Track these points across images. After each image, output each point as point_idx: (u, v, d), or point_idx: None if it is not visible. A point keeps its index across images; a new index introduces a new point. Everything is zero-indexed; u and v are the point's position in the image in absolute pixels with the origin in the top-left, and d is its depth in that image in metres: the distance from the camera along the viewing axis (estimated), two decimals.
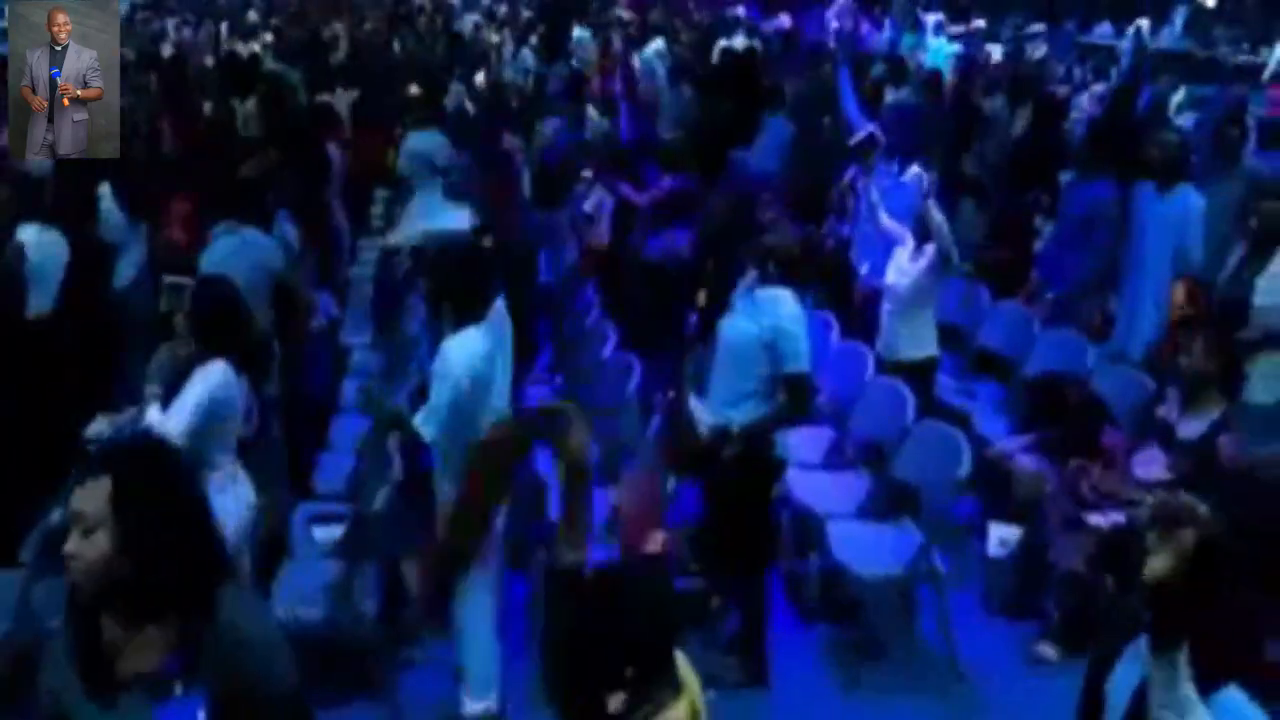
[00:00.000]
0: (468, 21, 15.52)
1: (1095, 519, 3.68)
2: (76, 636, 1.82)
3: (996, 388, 5.23)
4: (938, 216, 4.40)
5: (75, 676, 1.82)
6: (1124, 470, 3.80)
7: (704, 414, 3.70)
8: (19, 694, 2.79)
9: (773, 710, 3.76)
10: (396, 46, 12.35)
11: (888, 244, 4.81)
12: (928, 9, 17.51)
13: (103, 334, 4.62)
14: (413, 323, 5.46)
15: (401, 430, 3.55)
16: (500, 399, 3.47)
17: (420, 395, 3.45)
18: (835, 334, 5.19)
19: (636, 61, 11.11)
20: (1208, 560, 2.02)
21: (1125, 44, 13.45)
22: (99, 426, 4.30)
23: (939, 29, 15.58)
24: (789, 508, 4.22)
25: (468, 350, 3.30)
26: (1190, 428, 3.75)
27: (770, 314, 3.58)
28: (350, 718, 3.63)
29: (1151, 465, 3.83)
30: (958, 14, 16.52)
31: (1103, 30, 16.11)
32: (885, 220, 4.76)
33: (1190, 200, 4.76)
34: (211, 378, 3.25)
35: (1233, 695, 1.96)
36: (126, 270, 5.18)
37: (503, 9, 17.04)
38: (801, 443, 4.52)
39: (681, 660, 1.90)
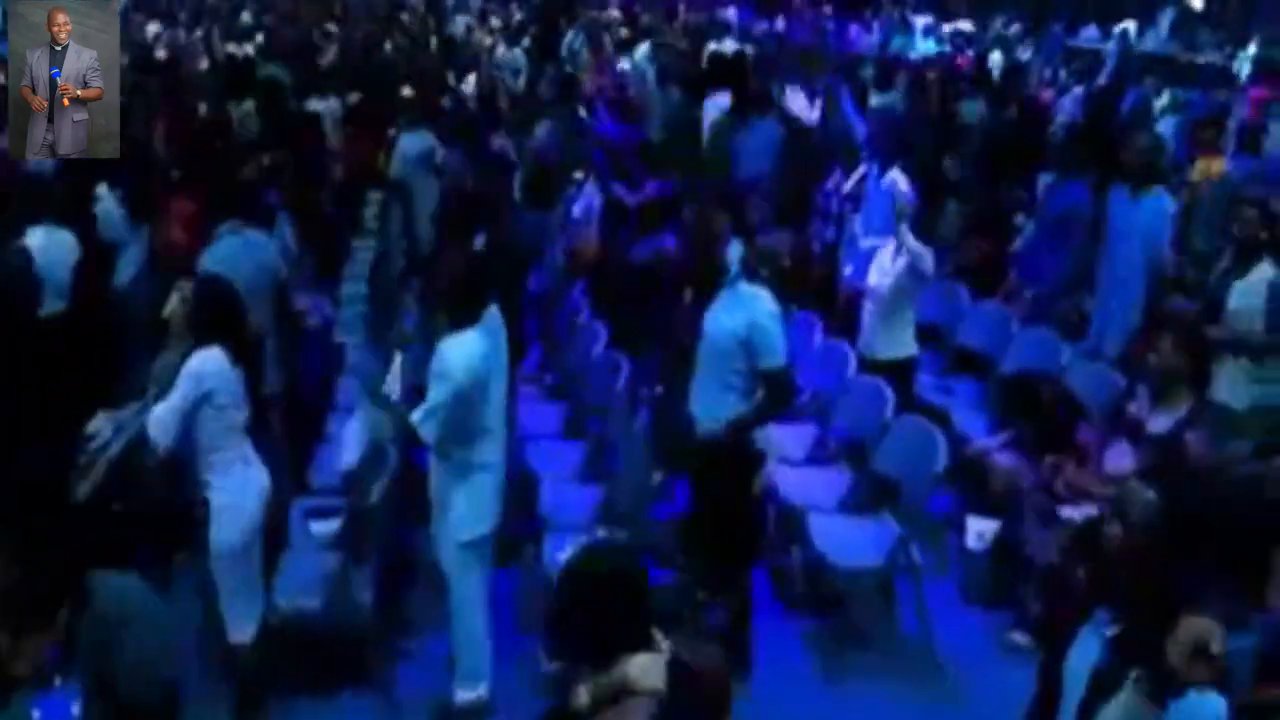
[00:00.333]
0: (459, 23, 15.60)
1: (1068, 512, 3.81)
2: None
3: (975, 385, 5.36)
4: (913, 243, 4.53)
5: None
6: (1096, 465, 3.92)
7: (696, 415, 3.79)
8: None
9: (757, 698, 3.85)
10: (388, 48, 12.41)
11: (870, 246, 4.94)
12: (917, 12, 17.69)
13: (105, 332, 4.70)
14: (405, 322, 5.57)
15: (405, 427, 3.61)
16: (497, 398, 3.57)
17: (416, 394, 3.53)
18: (819, 333, 5.31)
19: (627, 64, 11.24)
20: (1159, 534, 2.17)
21: (1110, 47, 13.62)
22: (100, 423, 4.40)
23: (928, 32, 15.74)
24: (773, 502, 4.33)
25: (466, 351, 3.38)
26: (1159, 423, 3.87)
27: (748, 310, 3.68)
28: (346, 705, 3.75)
29: (1122, 459, 3.95)
30: (946, 17, 16.66)
31: (1089, 33, 16.27)
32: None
33: (1162, 203, 4.90)
34: (206, 363, 3.34)
35: (1207, 693, 2.09)
36: (126, 269, 5.26)
37: (494, 10, 17.12)
38: (785, 439, 4.65)
39: (659, 636, 2.03)
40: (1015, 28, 15.79)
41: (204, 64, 10.69)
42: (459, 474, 3.53)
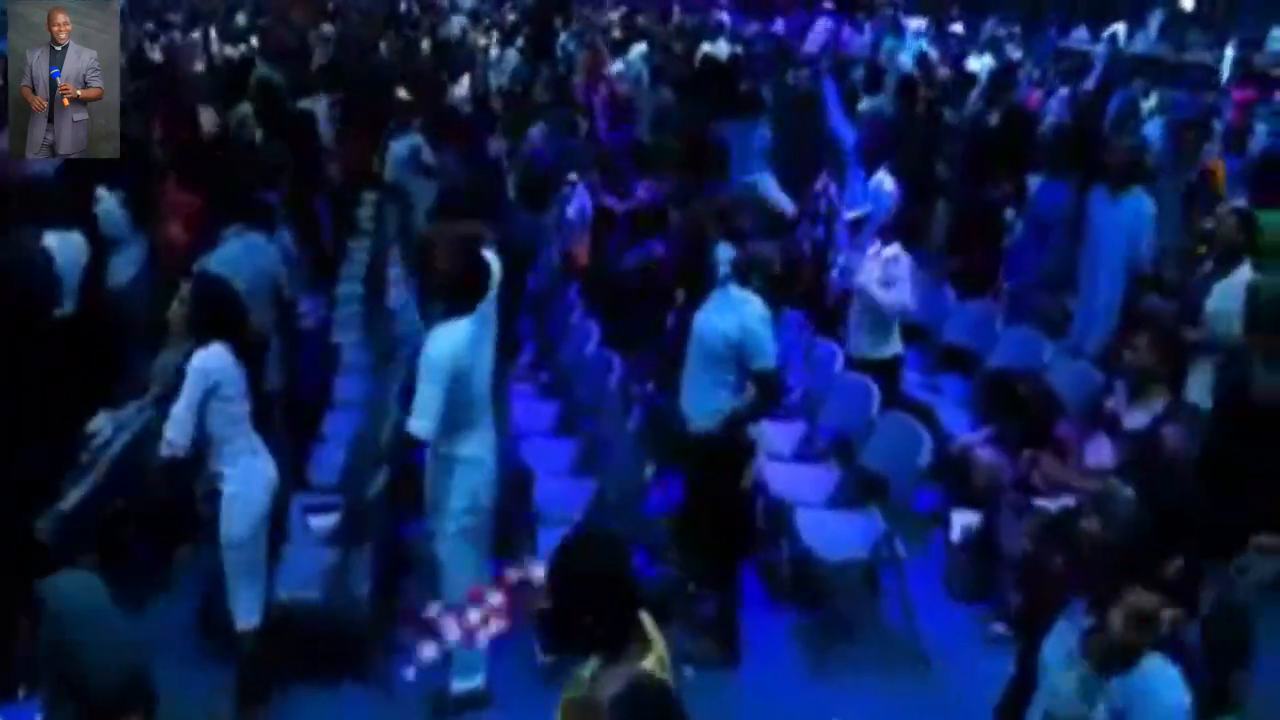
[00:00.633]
0: (454, 24, 15.67)
1: (1043, 504, 3.91)
2: None
3: (961, 383, 5.47)
4: (881, 296, 4.69)
5: None
6: (1074, 459, 4.03)
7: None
8: None
9: (745, 687, 3.97)
10: (383, 49, 12.49)
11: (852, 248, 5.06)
12: (909, 14, 17.80)
13: (106, 332, 4.77)
14: (401, 320, 5.66)
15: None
16: (482, 389, 3.62)
17: (409, 393, 3.61)
18: (808, 332, 5.41)
19: (620, 65, 11.34)
20: (1137, 531, 2.28)
21: (1099, 49, 13.75)
22: (101, 421, 4.48)
23: (920, 34, 15.85)
24: (762, 497, 4.43)
25: (450, 340, 3.44)
26: (1135, 419, 3.98)
27: (739, 314, 3.80)
28: (345, 696, 3.84)
29: (1100, 454, 4.06)
30: (937, 18, 16.78)
31: (1080, 34, 16.39)
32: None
33: (1141, 205, 5.01)
34: (210, 359, 3.43)
35: (1158, 662, 2.20)
36: (125, 269, 5.34)
37: (488, 12, 17.19)
38: (774, 436, 4.76)
39: (648, 621, 2.13)
40: (1005, 30, 15.90)
41: (199, 65, 10.76)
42: (449, 464, 3.62)
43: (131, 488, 4.26)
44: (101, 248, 5.02)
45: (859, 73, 10.29)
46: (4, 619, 3.15)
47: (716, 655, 3.98)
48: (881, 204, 5.40)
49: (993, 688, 3.42)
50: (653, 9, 17.03)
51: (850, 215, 5.30)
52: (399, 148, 7.21)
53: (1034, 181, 6.40)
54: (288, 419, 4.57)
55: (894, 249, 4.78)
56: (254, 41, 12.62)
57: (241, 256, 4.43)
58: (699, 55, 11.33)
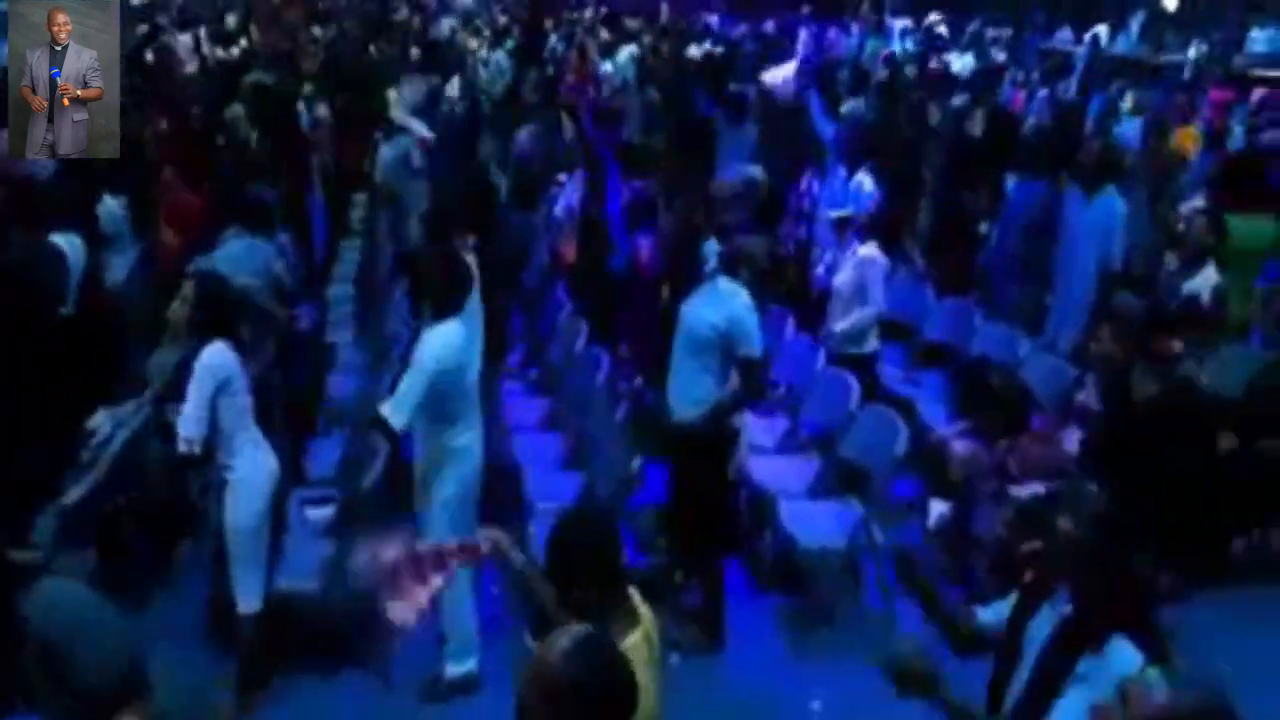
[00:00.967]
0: (444, 25, 15.76)
1: (1016, 491, 4.06)
2: None
3: (940, 378, 5.62)
4: (850, 322, 4.87)
5: None
6: (1046, 449, 4.18)
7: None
8: None
9: (730, 672, 4.10)
10: (373, 51, 12.56)
11: (837, 246, 5.20)
12: (896, 14, 17.98)
13: (105, 331, 4.87)
14: (394, 319, 5.78)
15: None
16: (470, 379, 3.76)
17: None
18: (790, 328, 5.55)
19: (609, 67, 11.46)
20: (1104, 527, 2.43)
21: (1081, 50, 13.93)
22: (100, 419, 4.58)
23: (904, 35, 16.02)
24: (746, 488, 4.57)
25: (443, 340, 3.59)
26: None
27: (728, 305, 3.96)
28: (343, 681, 3.96)
29: (1072, 444, 4.22)
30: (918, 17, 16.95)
31: (1063, 35, 16.58)
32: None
33: (1113, 205, 5.17)
34: (215, 355, 3.55)
35: (1122, 643, 2.34)
36: (122, 269, 5.43)
37: (478, 13, 17.28)
38: (758, 430, 4.90)
39: (636, 597, 2.26)
40: (993, 31, 16.07)
41: (191, 68, 10.83)
42: (440, 458, 3.75)
43: (130, 485, 4.38)
44: (99, 249, 5.12)
45: (843, 75, 10.45)
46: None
47: (702, 641, 4.11)
48: (862, 204, 5.56)
49: (968, 671, 3.55)
50: (641, 10, 17.15)
51: (834, 215, 5.44)
52: (390, 151, 7.32)
53: (1011, 181, 6.58)
54: (285, 416, 4.67)
55: (870, 249, 4.94)
56: (244, 44, 12.67)
57: (241, 256, 4.54)
58: (687, 58, 11.49)
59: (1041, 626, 2.60)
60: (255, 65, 9.65)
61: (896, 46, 14.84)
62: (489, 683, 3.90)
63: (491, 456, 4.09)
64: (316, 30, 13.54)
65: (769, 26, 16.59)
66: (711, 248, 4.27)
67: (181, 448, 3.52)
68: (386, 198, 7.26)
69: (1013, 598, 2.59)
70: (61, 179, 4.84)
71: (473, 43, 13.85)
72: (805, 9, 18.28)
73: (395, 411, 3.53)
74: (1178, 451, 3.27)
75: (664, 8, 17.41)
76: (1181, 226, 4.94)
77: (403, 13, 16.64)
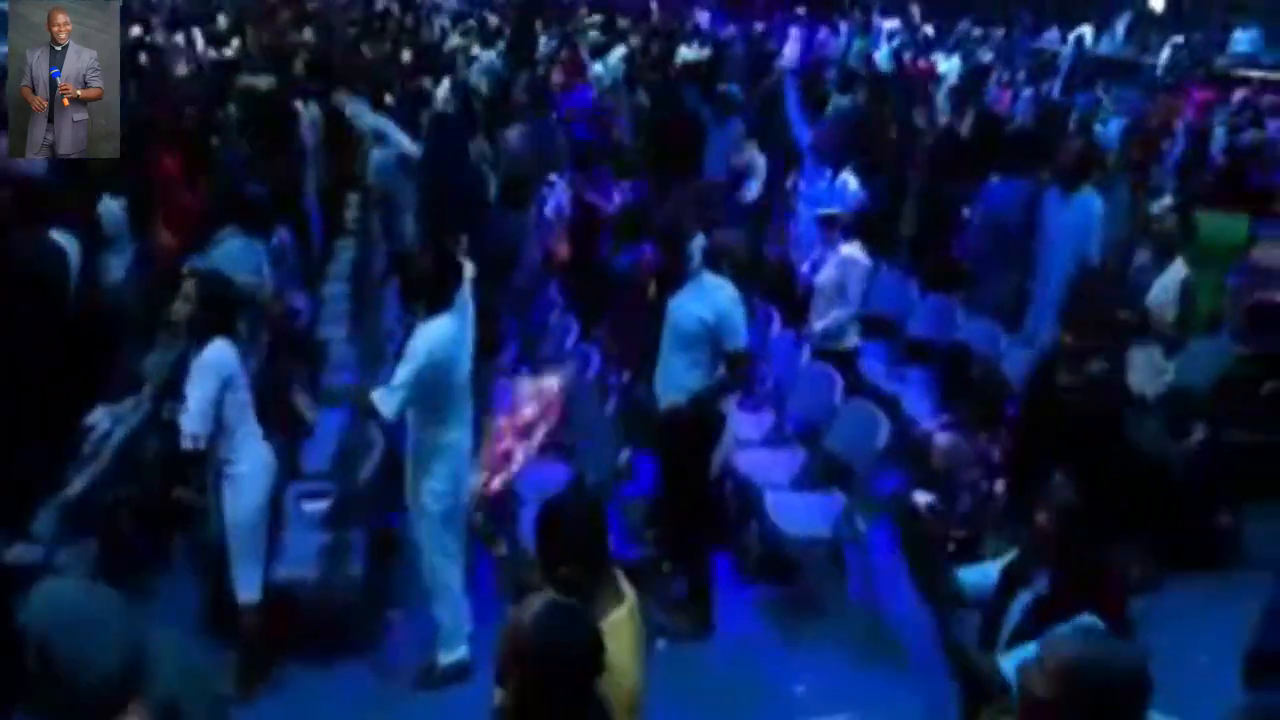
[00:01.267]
0: (435, 25, 15.82)
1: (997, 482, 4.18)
2: None
3: (924, 373, 5.74)
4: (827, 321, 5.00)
5: None
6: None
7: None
8: None
9: (717, 658, 4.21)
10: (365, 52, 12.62)
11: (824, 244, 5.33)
12: (885, 15, 18.12)
13: (103, 330, 4.94)
14: (388, 317, 5.87)
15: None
16: (461, 374, 3.84)
17: None
18: (776, 325, 5.67)
19: (599, 68, 11.55)
20: (1073, 520, 2.57)
21: (1066, 50, 14.09)
22: (98, 416, 4.66)
23: (892, 35, 16.15)
24: (733, 481, 4.68)
25: (435, 335, 3.68)
26: None
27: (714, 299, 4.08)
28: (340, 669, 4.05)
29: None
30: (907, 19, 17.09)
31: (1050, 35, 16.75)
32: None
33: (1091, 204, 5.30)
34: (218, 353, 3.64)
35: (1089, 620, 2.47)
36: (119, 268, 5.52)
37: (469, 14, 17.34)
38: (745, 424, 5.01)
39: (621, 578, 2.37)
40: (980, 31, 16.22)
41: (183, 68, 10.89)
42: (430, 451, 3.84)
43: (130, 480, 4.46)
44: (97, 248, 5.20)
45: (833, 74, 10.57)
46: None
47: (690, 628, 4.22)
48: (846, 203, 5.68)
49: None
50: (631, 11, 17.24)
51: (820, 213, 5.56)
52: (381, 153, 7.39)
53: (994, 180, 6.69)
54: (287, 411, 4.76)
55: (852, 249, 5.07)
56: (236, 44, 12.72)
57: (238, 256, 4.63)
58: (677, 59, 11.59)
59: (1022, 599, 2.74)
60: (247, 66, 9.73)
61: (884, 47, 14.99)
62: (482, 669, 3.98)
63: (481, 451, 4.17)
64: (307, 31, 13.62)
65: (759, 27, 16.74)
66: (698, 243, 4.38)
67: (187, 444, 3.59)
68: (379, 199, 7.34)
69: (992, 563, 2.73)
70: (58, 178, 4.90)
71: (463, 43, 13.91)
72: (797, 9, 18.45)
73: (386, 400, 3.61)
74: (1086, 447, 3.40)
75: (654, 8, 17.54)
76: (1155, 226, 5.08)
77: (394, 14, 16.70)
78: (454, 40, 14.02)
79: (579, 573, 2.22)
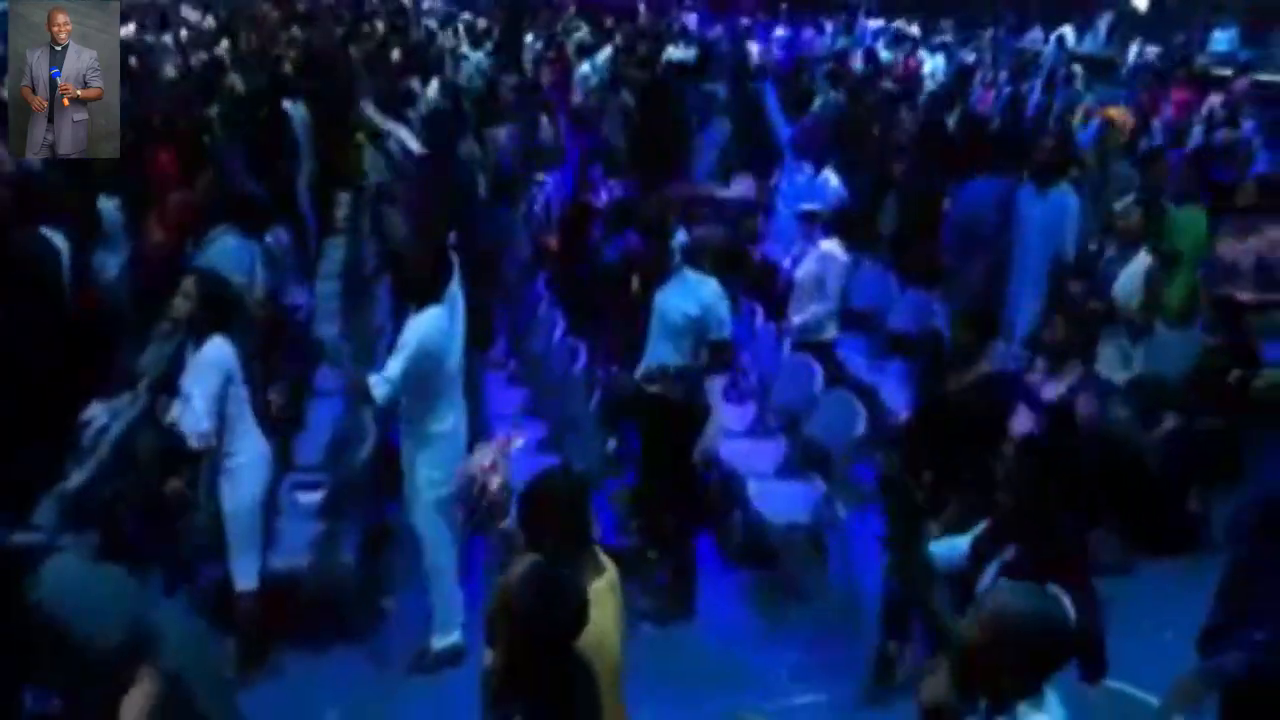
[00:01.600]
0: (423, 27, 15.90)
1: None
2: None
3: (903, 365, 5.88)
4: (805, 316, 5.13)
5: None
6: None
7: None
8: None
9: (700, 640, 4.33)
10: (353, 52, 12.69)
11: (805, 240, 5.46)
12: (870, 15, 18.28)
13: (98, 327, 5.03)
14: (378, 313, 5.98)
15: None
16: (454, 369, 3.97)
17: None
18: (760, 319, 5.80)
19: (587, 68, 11.66)
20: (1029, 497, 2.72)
21: (1047, 50, 14.25)
22: (95, 410, 4.75)
23: (877, 35, 16.32)
24: (717, 469, 4.80)
25: (427, 326, 3.80)
26: (1051, 390, 4.41)
27: (699, 294, 4.23)
28: (335, 655, 4.16)
29: (1023, 423, 4.47)
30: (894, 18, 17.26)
31: (1034, 35, 16.93)
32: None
33: (1066, 200, 5.45)
34: (219, 350, 3.74)
35: (1051, 589, 2.60)
36: (113, 266, 5.60)
37: (458, 14, 17.42)
38: (731, 416, 5.13)
39: (602, 554, 2.50)
40: (964, 33, 16.39)
41: (171, 69, 10.95)
42: (424, 440, 3.95)
43: (126, 473, 4.55)
44: (93, 247, 5.28)
45: (820, 72, 10.72)
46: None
47: (672, 612, 4.34)
48: (827, 200, 5.81)
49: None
50: (619, 11, 17.35)
51: (804, 208, 5.68)
52: (375, 157, 7.47)
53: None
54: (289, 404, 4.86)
55: (831, 244, 5.20)
56: (225, 44, 12.78)
57: (232, 254, 4.72)
58: (664, 58, 11.70)
59: (992, 570, 2.88)
60: (235, 67, 9.81)
61: (868, 46, 15.14)
62: (475, 653, 4.08)
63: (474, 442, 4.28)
64: (296, 32, 13.68)
65: (745, 24, 16.89)
66: (679, 239, 4.51)
67: (195, 444, 3.68)
68: (375, 196, 7.43)
69: (962, 537, 2.88)
70: (54, 177, 4.98)
71: (451, 44, 13.99)
72: (781, 7, 18.61)
73: (379, 386, 3.72)
74: (967, 441, 3.57)
75: (641, 8, 17.65)
76: (1120, 222, 5.23)
77: (382, 14, 16.77)
78: (443, 41, 14.11)
79: (562, 545, 2.34)
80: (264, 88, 8.49)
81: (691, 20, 17.94)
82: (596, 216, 6.38)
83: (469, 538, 4.25)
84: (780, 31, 15.84)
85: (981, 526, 2.94)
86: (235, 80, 9.03)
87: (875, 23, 17.47)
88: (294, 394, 5.40)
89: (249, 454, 3.84)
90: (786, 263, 5.91)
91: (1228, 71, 12.29)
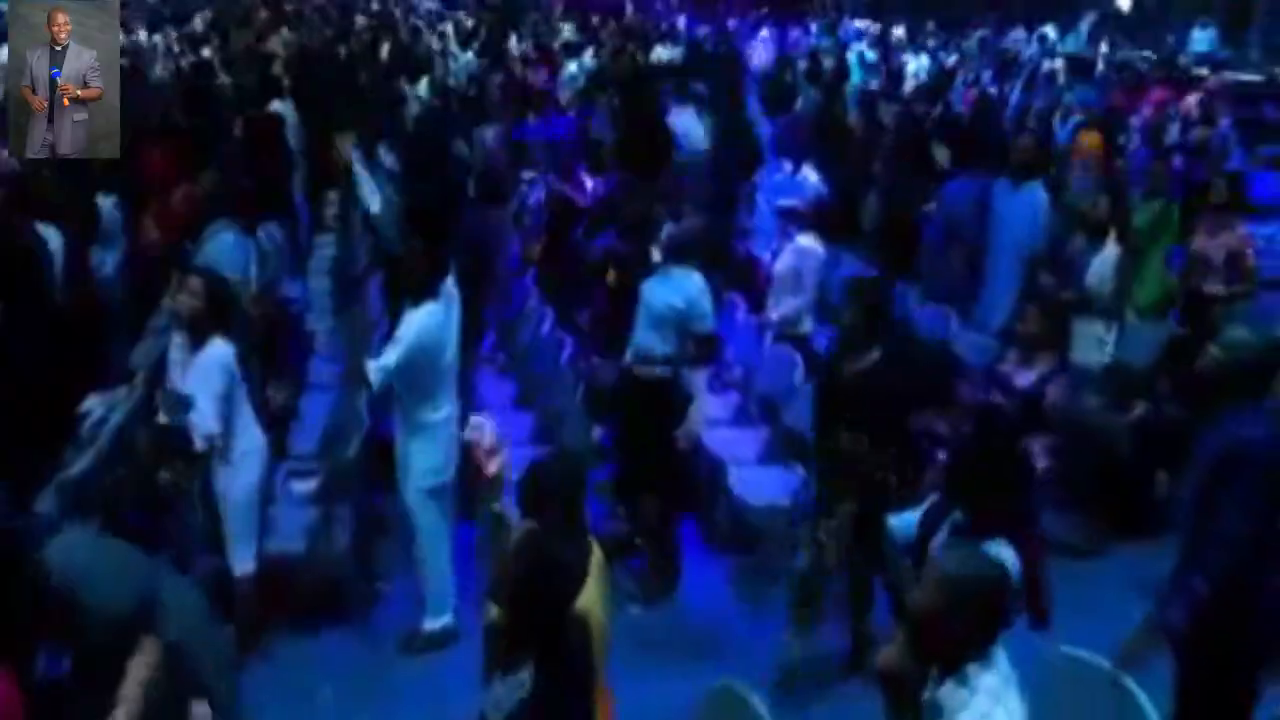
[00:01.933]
0: (412, 27, 15.98)
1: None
2: None
3: None
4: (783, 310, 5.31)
5: None
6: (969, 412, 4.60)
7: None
8: None
9: (683, 620, 4.46)
10: (342, 52, 12.78)
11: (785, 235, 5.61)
12: (855, 16, 18.47)
13: (93, 322, 5.13)
14: (370, 309, 6.09)
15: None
16: (448, 357, 4.09)
17: None
18: (742, 312, 5.95)
19: (574, 67, 11.79)
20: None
21: (1030, 50, 14.46)
22: (93, 403, 4.85)
23: (860, 35, 16.49)
24: (702, 458, 4.93)
25: (425, 321, 3.93)
26: (1024, 379, 4.58)
27: (684, 288, 4.37)
28: (329, 638, 4.27)
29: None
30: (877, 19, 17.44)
31: (1016, 34, 17.14)
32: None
33: (1038, 196, 5.61)
34: (219, 352, 3.85)
35: (1000, 544, 2.75)
36: (110, 263, 5.70)
37: (446, 14, 17.51)
38: (714, 405, 5.28)
39: (589, 534, 2.64)
40: (946, 35, 16.58)
41: (161, 70, 11.03)
42: (418, 429, 4.08)
43: (124, 463, 4.66)
44: (90, 243, 5.38)
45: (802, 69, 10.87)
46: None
47: (656, 592, 4.47)
48: (805, 196, 5.95)
49: None
50: (606, 11, 17.48)
51: (784, 204, 5.83)
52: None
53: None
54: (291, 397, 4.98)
55: (808, 239, 5.35)
56: (215, 44, 12.85)
57: (228, 251, 4.83)
58: (651, 58, 11.84)
59: (940, 542, 3.03)
60: (225, 68, 9.89)
61: (853, 46, 15.31)
62: (466, 635, 4.16)
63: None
64: (285, 33, 13.76)
65: (732, 26, 17.05)
66: (663, 233, 4.65)
67: (202, 445, 3.77)
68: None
69: (915, 510, 3.03)
70: (51, 174, 5.06)
71: (438, 44, 14.07)
72: (765, 8, 18.77)
73: (375, 372, 3.85)
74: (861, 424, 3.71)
75: (629, 8, 17.78)
76: (1088, 215, 5.40)
77: (372, 15, 16.84)
78: (430, 40, 14.20)
79: (558, 524, 2.47)
80: (254, 88, 8.59)
81: (680, 21, 18.09)
82: (581, 214, 6.52)
83: (460, 523, 4.38)
84: (765, 33, 16.00)
85: (931, 499, 3.09)
86: (225, 81, 9.12)
87: (861, 23, 17.65)
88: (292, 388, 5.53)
89: (246, 447, 3.95)
90: (767, 257, 6.06)
91: (1205, 71, 12.50)
